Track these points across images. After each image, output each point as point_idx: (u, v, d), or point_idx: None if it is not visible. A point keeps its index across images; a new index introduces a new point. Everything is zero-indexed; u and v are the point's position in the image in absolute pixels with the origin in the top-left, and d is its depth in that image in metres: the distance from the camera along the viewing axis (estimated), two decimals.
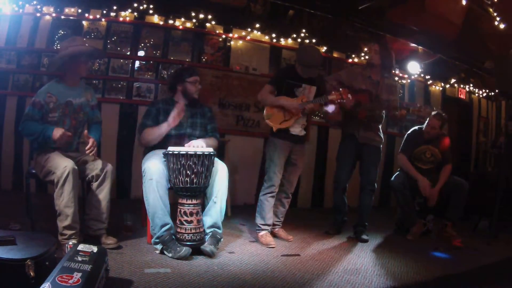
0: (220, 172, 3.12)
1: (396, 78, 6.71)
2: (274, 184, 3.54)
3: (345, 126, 3.99)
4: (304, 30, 5.76)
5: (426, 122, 4.25)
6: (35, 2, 4.87)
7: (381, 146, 3.96)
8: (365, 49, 5.79)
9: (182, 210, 2.92)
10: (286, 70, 3.77)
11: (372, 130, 3.88)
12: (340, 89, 3.48)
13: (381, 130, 3.97)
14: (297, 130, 3.60)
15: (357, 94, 3.72)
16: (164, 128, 3.14)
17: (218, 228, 3.08)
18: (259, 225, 3.57)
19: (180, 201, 2.95)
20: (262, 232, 3.53)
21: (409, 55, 6.28)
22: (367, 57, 4.06)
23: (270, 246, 3.39)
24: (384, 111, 3.94)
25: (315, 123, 5.85)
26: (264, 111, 3.64)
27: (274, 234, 3.69)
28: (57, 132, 2.79)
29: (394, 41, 5.97)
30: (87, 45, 3.16)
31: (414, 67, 6.44)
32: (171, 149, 2.91)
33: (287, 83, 3.56)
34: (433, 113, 4.26)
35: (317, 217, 5.04)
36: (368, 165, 3.90)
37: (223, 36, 5.47)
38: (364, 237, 3.84)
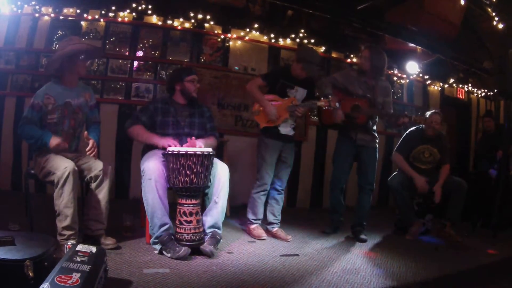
0: (222, 172, 3.13)
1: (395, 78, 6.73)
2: (266, 183, 3.67)
3: (342, 128, 4.02)
4: (302, 30, 5.76)
5: (426, 121, 4.24)
6: (33, 3, 4.87)
7: (377, 145, 4.01)
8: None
9: (182, 210, 2.92)
10: (282, 70, 3.89)
11: (369, 132, 3.94)
12: (329, 96, 3.60)
13: (376, 130, 4.03)
14: (286, 130, 3.71)
15: (357, 99, 3.82)
16: (151, 141, 3.15)
17: (218, 228, 3.08)
18: (251, 219, 3.73)
19: (179, 201, 2.95)
20: (253, 225, 3.70)
21: (407, 52, 6.29)
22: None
23: (262, 238, 3.56)
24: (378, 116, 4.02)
25: (314, 123, 5.85)
26: (254, 107, 3.75)
27: (273, 234, 3.73)
28: (54, 141, 2.79)
29: (392, 40, 5.98)
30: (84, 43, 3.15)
31: (412, 67, 6.46)
32: (170, 149, 2.91)
33: (282, 83, 3.66)
34: (430, 112, 4.26)
35: (316, 217, 5.04)
36: (366, 166, 3.94)
37: (222, 37, 5.48)
38: (363, 237, 3.85)
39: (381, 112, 3.91)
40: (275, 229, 3.77)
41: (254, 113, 3.74)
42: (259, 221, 3.76)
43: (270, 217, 3.78)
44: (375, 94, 3.87)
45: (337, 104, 3.58)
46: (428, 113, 4.28)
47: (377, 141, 3.99)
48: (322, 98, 3.63)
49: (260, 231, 3.65)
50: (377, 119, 4.02)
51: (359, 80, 3.91)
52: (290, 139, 3.77)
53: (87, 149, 2.91)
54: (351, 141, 3.92)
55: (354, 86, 3.88)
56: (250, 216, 3.73)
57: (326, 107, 3.60)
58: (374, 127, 3.99)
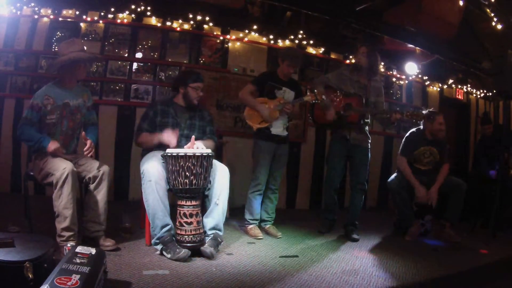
0: (221, 174, 3.14)
1: (394, 79, 6.73)
2: (261, 183, 3.82)
3: (336, 128, 4.04)
4: (301, 32, 5.77)
5: (428, 122, 4.23)
6: (33, 4, 4.86)
7: (370, 145, 4.05)
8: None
9: (182, 212, 2.92)
10: (269, 74, 4.05)
11: (363, 132, 3.99)
12: (315, 90, 3.72)
13: (368, 130, 4.08)
14: (279, 130, 3.84)
15: (349, 98, 3.87)
16: (156, 141, 3.17)
17: (219, 230, 3.09)
18: (248, 220, 3.86)
19: (179, 202, 2.95)
20: (251, 226, 3.83)
21: (405, 53, 6.30)
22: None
23: (258, 237, 3.68)
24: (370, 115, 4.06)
25: (313, 125, 5.83)
26: (245, 112, 3.87)
27: (265, 231, 3.88)
28: (52, 145, 2.82)
29: (391, 41, 5.98)
30: (85, 48, 3.15)
31: (411, 68, 6.46)
32: (169, 150, 2.92)
33: (269, 85, 3.83)
34: (428, 111, 4.26)
35: (315, 218, 5.02)
36: (359, 166, 3.99)
37: (221, 38, 5.48)
38: (355, 236, 3.89)
39: (372, 110, 3.95)
40: (267, 226, 3.91)
41: (246, 118, 3.85)
42: (256, 222, 3.88)
43: (264, 215, 3.93)
44: (367, 93, 3.93)
45: (323, 97, 3.69)
46: (426, 111, 4.27)
47: (369, 141, 4.04)
48: (308, 93, 3.76)
49: (257, 231, 3.77)
50: (369, 119, 4.06)
51: (352, 79, 3.97)
52: (283, 139, 3.89)
53: (84, 149, 2.94)
54: (344, 140, 3.96)
55: (346, 86, 3.94)
56: (248, 216, 3.87)
57: (313, 101, 3.74)
58: (366, 127, 4.04)
